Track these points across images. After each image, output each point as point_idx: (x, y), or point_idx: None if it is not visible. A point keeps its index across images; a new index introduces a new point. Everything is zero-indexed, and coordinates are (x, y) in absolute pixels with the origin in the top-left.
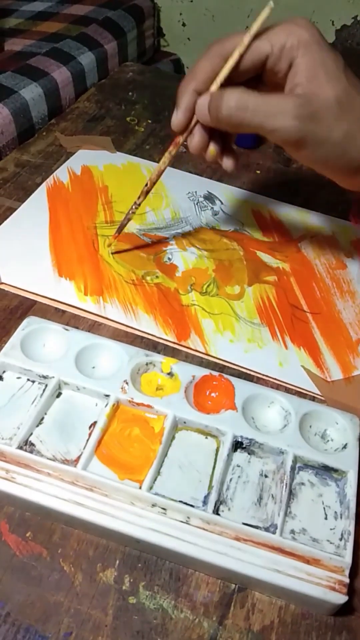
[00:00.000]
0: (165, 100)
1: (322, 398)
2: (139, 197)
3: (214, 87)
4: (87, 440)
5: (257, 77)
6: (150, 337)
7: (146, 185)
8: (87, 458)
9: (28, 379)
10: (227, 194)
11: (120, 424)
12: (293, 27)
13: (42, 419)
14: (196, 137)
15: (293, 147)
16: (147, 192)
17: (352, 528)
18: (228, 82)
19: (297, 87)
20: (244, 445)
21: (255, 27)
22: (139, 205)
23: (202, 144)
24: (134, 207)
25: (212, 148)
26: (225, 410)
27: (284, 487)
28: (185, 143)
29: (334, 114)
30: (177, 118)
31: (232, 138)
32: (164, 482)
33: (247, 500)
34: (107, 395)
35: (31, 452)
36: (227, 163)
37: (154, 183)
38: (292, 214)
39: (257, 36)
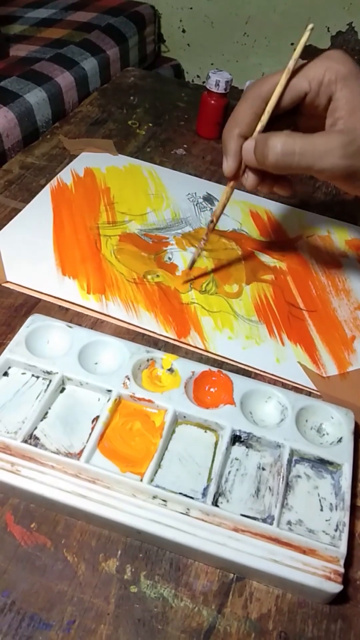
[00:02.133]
0: (166, 104)
1: (318, 393)
2: (206, 234)
3: (258, 130)
4: (90, 434)
5: (294, 110)
6: (151, 334)
7: (212, 221)
8: (90, 451)
9: (32, 375)
10: None
11: (122, 419)
12: (329, 62)
13: (46, 413)
14: (250, 179)
15: (342, 182)
16: (213, 228)
17: (346, 519)
18: (268, 121)
19: (338, 122)
20: (242, 439)
21: (291, 64)
22: (206, 241)
23: (256, 182)
24: (202, 243)
25: (267, 186)
26: (224, 405)
27: (281, 479)
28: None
29: None
30: (228, 165)
31: None
32: (164, 474)
33: (245, 492)
34: (110, 391)
35: (36, 445)
36: (283, 191)
37: (219, 217)
38: (288, 214)
39: (293, 74)
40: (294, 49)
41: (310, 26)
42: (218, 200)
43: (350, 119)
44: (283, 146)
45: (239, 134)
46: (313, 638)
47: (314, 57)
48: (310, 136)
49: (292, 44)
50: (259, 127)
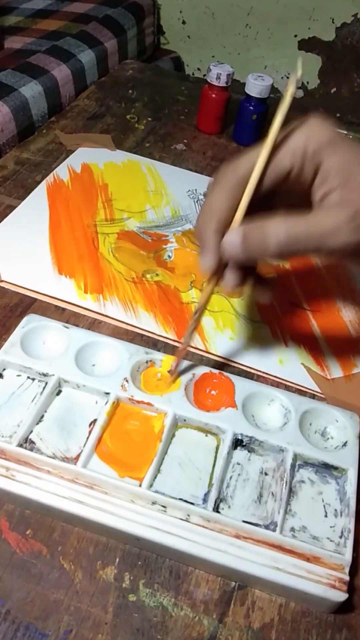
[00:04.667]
0: (166, 98)
1: (322, 396)
2: (189, 334)
3: (237, 220)
4: (87, 438)
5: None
6: (150, 334)
7: (196, 313)
8: (87, 456)
9: (28, 377)
10: None
11: (120, 422)
12: (309, 131)
13: (42, 416)
14: (230, 280)
15: (351, 258)
16: (196, 327)
17: (352, 526)
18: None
19: (332, 194)
20: (244, 443)
21: (271, 138)
22: (188, 343)
23: (239, 280)
24: (193, 323)
25: (249, 287)
26: (225, 408)
27: (284, 484)
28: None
29: None
30: (206, 262)
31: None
32: (164, 479)
33: (247, 498)
34: (107, 393)
35: (31, 449)
36: (263, 296)
37: (200, 317)
38: None
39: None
40: (273, 120)
41: (298, 74)
42: None
43: (345, 188)
44: (287, 232)
45: (217, 228)
46: None
47: (317, 49)
48: (311, 216)
49: (295, 35)
50: (239, 215)
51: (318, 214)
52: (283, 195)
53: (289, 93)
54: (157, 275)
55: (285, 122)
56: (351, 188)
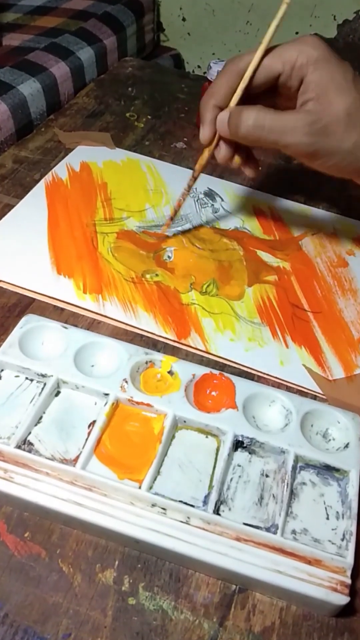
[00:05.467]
0: (165, 96)
1: (324, 397)
2: (187, 185)
3: (233, 103)
4: (86, 439)
5: (272, 89)
6: (150, 335)
7: (192, 178)
8: (86, 457)
9: (26, 378)
10: (227, 190)
11: (119, 423)
12: (302, 46)
13: (41, 418)
14: (222, 150)
15: (306, 159)
16: (191, 186)
17: (354, 528)
18: (247, 97)
19: (307, 103)
20: (244, 445)
21: (266, 39)
22: (187, 192)
23: (228, 154)
24: (183, 193)
25: (237, 158)
26: (225, 409)
27: (285, 486)
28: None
29: (344, 126)
30: (203, 132)
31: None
32: (163, 481)
33: (248, 500)
34: (107, 394)
35: (29, 451)
36: (248, 171)
37: (196, 179)
38: (292, 210)
39: (268, 53)
40: (269, 24)
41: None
42: (219, 196)
43: (318, 101)
44: (255, 120)
45: (215, 104)
46: None
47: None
48: (280, 113)
49: (296, 32)
50: (234, 99)
51: (286, 113)
52: (282, 99)
53: (285, 1)
54: (156, 275)
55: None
56: (321, 102)
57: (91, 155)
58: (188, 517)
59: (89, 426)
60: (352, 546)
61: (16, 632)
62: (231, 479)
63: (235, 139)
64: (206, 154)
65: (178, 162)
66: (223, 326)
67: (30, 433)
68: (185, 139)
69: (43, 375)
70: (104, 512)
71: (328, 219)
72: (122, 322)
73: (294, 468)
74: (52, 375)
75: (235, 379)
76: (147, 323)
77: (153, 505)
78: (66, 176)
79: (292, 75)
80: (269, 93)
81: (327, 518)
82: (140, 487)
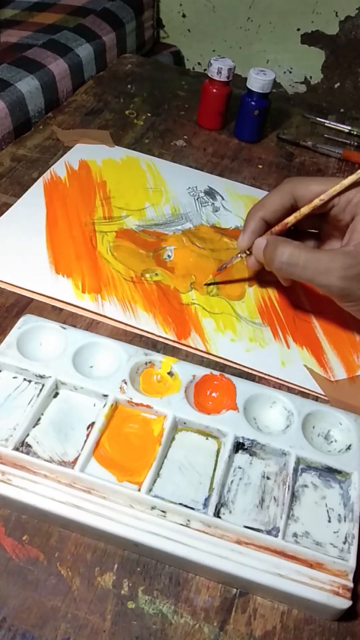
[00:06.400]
0: (165, 93)
1: (326, 398)
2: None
3: (274, 231)
4: (85, 441)
5: (323, 214)
6: (149, 335)
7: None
8: (85, 459)
9: (24, 379)
10: (228, 188)
11: (118, 425)
12: None
13: (39, 419)
14: (251, 263)
15: (337, 300)
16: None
17: (356, 531)
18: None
19: (351, 242)
20: (245, 447)
21: (348, 181)
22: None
23: (258, 267)
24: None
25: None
26: (226, 410)
27: (287, 489)
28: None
29: None
30: (242, 240)
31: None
32: (163, 484)
33: (249, 502)
34: (106, 395)
35: (27, 453)
36: (283, 281)
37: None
38: None
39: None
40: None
41: None
42: (220, 195)
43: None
44: (289, 257)
45: (262, 216)
46: None
47: (320, 43)
48: (316, 252)
49: (298, 29)
50: (279, 227)
51: (321, 253)
52: (329, 227)
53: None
54: (156, 275)
55: None
56: None
57: (90, 154)
58: (188, 520)
59: (88, 428)
60: (354, 549)
61: (14, 637)
62: (232, 481)
63: (269, 270)
64: (239, 258)
65: (178, 160)
66: (224, 326)
67: (28, 435)
68: (185, 137)
69: (41, 376)
70: (103, 514)
71: None
72: (121, 322)
73: (295, 470)
74: (50, 376)
75: (235, 380)
76: (147, 323)
77: (153, 508)
78: (65, 174)
79: (345, 209)
80: (318, 217)
81: (329, 521)
82: (139, 490)
